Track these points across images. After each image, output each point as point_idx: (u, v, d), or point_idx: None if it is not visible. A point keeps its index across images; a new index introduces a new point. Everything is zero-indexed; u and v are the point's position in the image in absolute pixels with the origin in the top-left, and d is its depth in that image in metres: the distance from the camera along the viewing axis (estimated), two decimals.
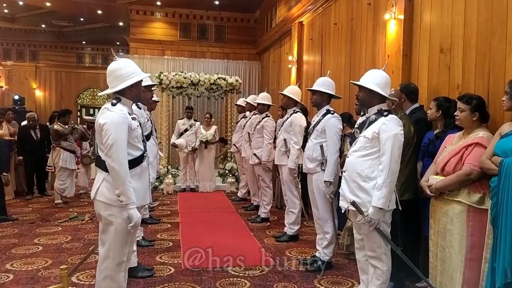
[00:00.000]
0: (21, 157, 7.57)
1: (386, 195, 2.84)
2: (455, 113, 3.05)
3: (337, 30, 6.47)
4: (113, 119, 2.67)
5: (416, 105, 3.96)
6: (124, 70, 2.79)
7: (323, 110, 4.18)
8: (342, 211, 3.23)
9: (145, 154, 2.92)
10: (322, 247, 4.20)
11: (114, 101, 2.76)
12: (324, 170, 4.07)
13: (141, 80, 2.91)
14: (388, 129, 2.88)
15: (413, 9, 4.44)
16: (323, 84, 4.19)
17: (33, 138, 7.62)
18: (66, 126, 7.22)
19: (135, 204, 2.70)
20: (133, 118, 2.82)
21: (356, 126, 3.22)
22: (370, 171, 2.95)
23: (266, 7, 10.67)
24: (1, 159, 6.19)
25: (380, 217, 2.87)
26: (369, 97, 3.06)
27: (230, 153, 9.09)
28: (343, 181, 3.15)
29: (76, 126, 8.15)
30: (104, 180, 2.74)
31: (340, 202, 3.19)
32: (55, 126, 7.15)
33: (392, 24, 4.61)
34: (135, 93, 2.88)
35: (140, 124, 2.96)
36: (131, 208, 2.67)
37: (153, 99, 5.08)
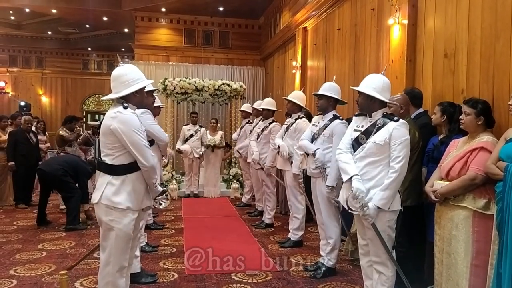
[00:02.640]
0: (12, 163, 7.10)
1: (389, 197, 2.86)
2: (460, 117, 3.02)
3: (341, 36, 6.48)
4: (131, 122, 2.75)
5: (421, 110, 3.94)
6: (130, 75, 2.83)
7: (330, 115, 4.17)
8: (341, 202, 3.18)
9: None
10: (326, 252, 4.17)
11: (126, 104, 2.79)
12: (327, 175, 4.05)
13: (145, 86, 2.95)
14: (401, 134, 2.89)
15: (417, 14, 4.44)
16: (330, 89, 4.19)
17: (29, 142, 7.26)
18: (72, 133, 7.26)
19: (136, 208, 2.82)
20: None
21: (361, 131, 3.11)
22: (379, 176, 2.93)
23: (270, 13, 10.71)
24: (83, 191, 6.00)
25: (375, 215, 2.87)
26: (367, 102, 3.05)
27: (235, 158, 9.08)
28: (344, 187, 3.12)
29: (81, 133, 8.17)
30: (108, 183, 2.76)
31: (339, 198, 3.19)
32: (60, 132, 7.19)
33: (396, 29, 4.61)
34: (139, 99, 2.92)
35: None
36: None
37: (158, 104, 5.09)
